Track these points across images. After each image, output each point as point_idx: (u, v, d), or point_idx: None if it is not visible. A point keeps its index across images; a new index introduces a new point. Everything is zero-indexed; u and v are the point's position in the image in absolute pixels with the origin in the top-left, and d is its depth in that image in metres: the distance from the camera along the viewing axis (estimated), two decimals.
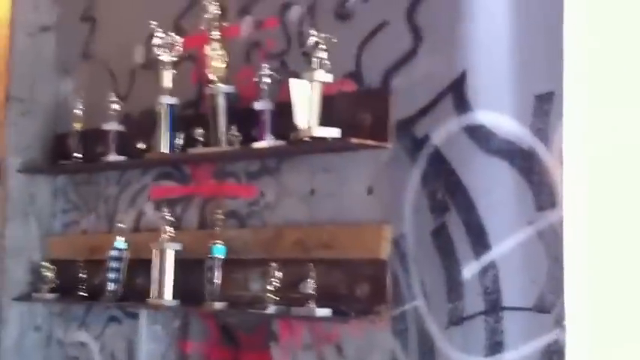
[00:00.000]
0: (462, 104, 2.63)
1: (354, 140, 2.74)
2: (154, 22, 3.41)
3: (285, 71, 3.11)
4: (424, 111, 2.72)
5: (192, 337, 3.46)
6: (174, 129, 3.38)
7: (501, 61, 2.55)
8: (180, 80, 3.45)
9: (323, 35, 2.83)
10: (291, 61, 3.13)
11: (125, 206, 3.79)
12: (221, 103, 3.20)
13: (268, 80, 3.05)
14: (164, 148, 3.39)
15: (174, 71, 3.41)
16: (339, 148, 2.88)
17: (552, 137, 2.44)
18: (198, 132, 3.24)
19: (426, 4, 2.74)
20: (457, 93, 2.64)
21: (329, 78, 2.84)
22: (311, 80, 2.83)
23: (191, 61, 3.51)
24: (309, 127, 2.80)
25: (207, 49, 3.23)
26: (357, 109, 2.87)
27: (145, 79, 3.75)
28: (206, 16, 3.24)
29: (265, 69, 3.05)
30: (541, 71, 2.48)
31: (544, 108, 2.46)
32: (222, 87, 3.20)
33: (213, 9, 3.23)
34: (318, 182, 3.02)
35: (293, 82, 2.85)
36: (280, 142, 2.95)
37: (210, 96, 3.22)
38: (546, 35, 2.47)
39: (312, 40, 2.84)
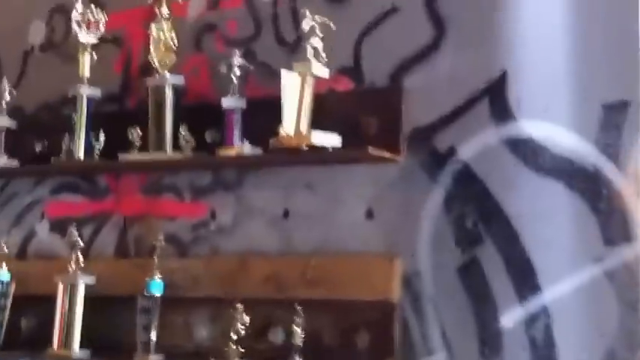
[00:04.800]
0: (502, 112, 2.14)
1: (371, 150, 2.15)
2: None
3: (254, 62, 2.50)
4: (449, 118, 2.21)
5: None
6: (92, 128, 2.66)
7: (556, 61, 2.09)
8: (97, 68, 2.73)
9: (319, 19, 2.25)
10: (262, 50, 2.51)
11: (8, 225, 2.97)
12: (169, 97, 2.53)
13: (237, 72, 2.42)
14: (79, 151, 2.66)
15: (95, 55, 2.70)
16: (335, 160, 2.29)
17: (626, 155, 2.00)
18: (135, 133, 2.54)
19: None
20: (495, 98, 2.15)
21: (325, 72, 2.27)
22: (305, 74, 2.24)
23: (115, 44, 2.80)
24: (301, 132, 2.21)
25: (153, 29, 2.56)
26: (357, 112, 2.30)
27: (44, 64, 2.99)
28: None
29: (236, 57, 2.42)
30: (611, 76, 2.04)
31: (614, 120, 2.02)
32: (171, 77, 2.53)
33: None
34: (296, 201, 2.41)
35: (284, 75, 2.25)
36: (256, 150, 2.32)
37: (155, 88, 2.54)
38: (618, 33, 2.04)
39: (306, 24, 2.25)
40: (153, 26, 2.56)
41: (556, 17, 2.10)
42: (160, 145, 2.52)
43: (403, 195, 2.24)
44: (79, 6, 2.70)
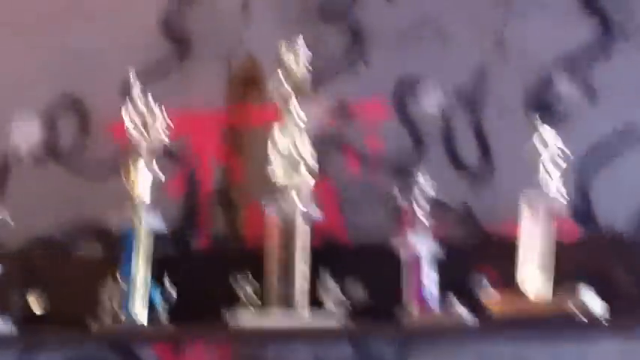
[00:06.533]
0: None
1: None
2: (133, 74, 1.87)
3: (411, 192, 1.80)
4: None
5: None
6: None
7: None
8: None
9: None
10: (435, 175, 1.82)
11: None
12: (302, 233, 1.75)
13: (421, 203, 1.73)
14: (140, 314, 1.76)
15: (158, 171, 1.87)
16: (605, 333, 1.64)
17: None
18: (249, 286, 1.72)
19: None
20: None
21: (563, 209, 1.66)
22: (544, 209, 1.62)
23: (171, 157, 1.98)
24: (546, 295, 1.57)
25: (276, 136, 1.80)
26: (597, 266, 1.69)
27: (42, 179, 2.07)
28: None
29: (421, 181, 1.73)
30: None
31: None
32: (305, 205, 1.76)
33: (300, 68, 1.82)
34: None
35: (525, 211, 1.61)
36: (473, 317, 1.61)
37: (284, 224, 1.74)
38: None
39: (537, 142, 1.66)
40: (276, 132, 1.80)
41: None
42: (289, 303, 1.72)
43: None
44: (135, 99, 1.88)
